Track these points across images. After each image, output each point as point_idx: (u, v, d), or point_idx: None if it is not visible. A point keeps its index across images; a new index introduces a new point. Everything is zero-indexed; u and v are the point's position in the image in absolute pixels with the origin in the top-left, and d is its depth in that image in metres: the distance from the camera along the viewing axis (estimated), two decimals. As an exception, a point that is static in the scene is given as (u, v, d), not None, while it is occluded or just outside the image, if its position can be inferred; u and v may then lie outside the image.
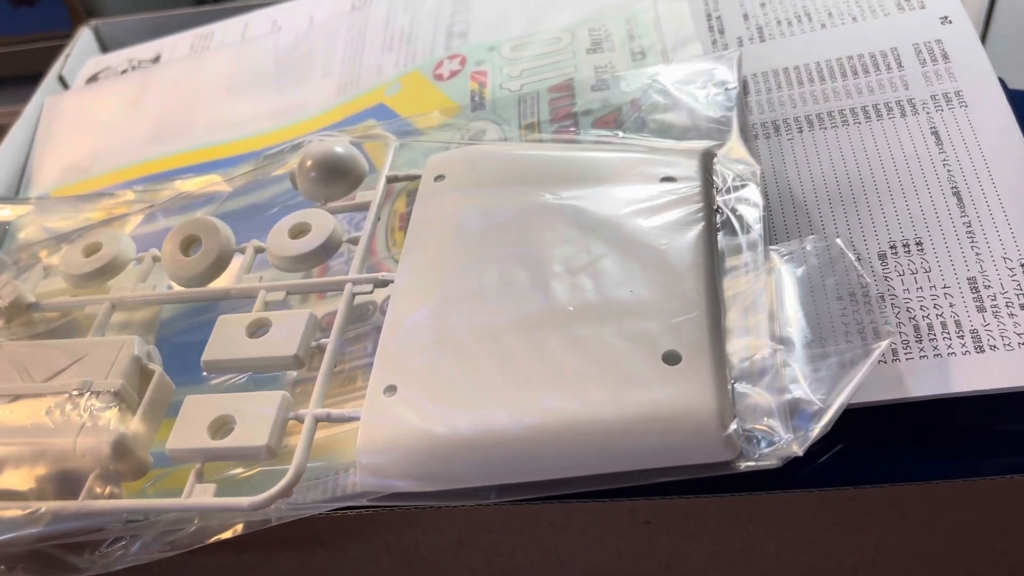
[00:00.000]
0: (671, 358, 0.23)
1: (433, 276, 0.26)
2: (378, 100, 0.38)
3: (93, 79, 0.47)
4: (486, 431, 0.23)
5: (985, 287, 0.25)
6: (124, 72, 0.46)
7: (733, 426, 0.22)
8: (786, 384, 0.23)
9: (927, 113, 0.29)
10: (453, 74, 0.37)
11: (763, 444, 0.22)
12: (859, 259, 0.26)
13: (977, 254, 0.26)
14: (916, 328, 0.25)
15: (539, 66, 0.36)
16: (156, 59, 0.46)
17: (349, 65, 0.41)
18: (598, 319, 0.24)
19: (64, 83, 0.48)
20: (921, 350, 0.25)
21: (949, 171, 0.28)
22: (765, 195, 0.28)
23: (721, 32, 0.35)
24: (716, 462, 0.22)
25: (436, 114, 0.36)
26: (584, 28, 0.37)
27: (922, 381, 0.24)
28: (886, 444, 0.26)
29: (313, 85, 0.41)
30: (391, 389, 0.24)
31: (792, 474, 0.26)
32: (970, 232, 0.26)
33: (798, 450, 0.22)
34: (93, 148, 0.43)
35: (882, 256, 0.27)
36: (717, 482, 0.25)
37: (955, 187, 0.27)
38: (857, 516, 0.26)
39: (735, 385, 0.23)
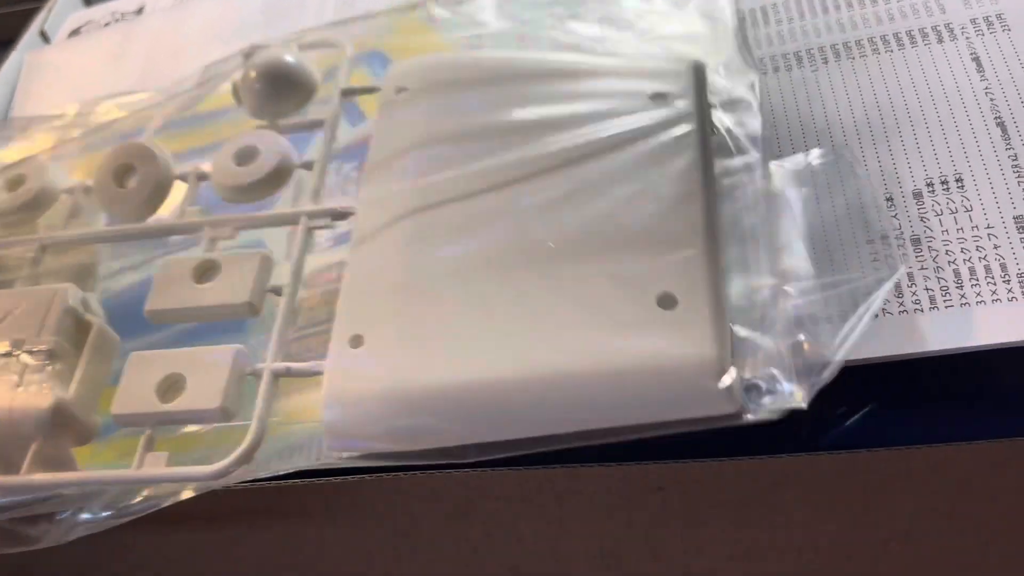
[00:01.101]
0: (666, 301, 0.20)
1: (398, 206, 0.24)
2: (371, 46, 0.36)
3: (75, 33, 0.45)
4: (462, 384, 0.20)
5: (1034, 226, 0.23)
6: (107, 25, 0.44)
7: (733, 375, 0.19)
8: (790, 326, 0.20)
9: (967, 38, 0.26)
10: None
11: (765, 395, 0.20)
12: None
13: (1025, 190, 0.23)
14: (956, 273, 0.23)
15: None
16: (139, 11, 0.44)
17: (344, 8, 0.39)
18: (583, 258, 0.21)
19: (46, 38, 0.45)
20: (962, 297, 0.22)
21: (992, 101, 0.25)
22: (769, 110, 0.25)
23: (738, -40, 0.32)
24: (716, 415, 0.20)
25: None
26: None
27: (963, 331, 0.22)
28: (923, 402, 0.23)
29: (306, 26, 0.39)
30: (357, 339, 0.22)
31: (819, 435, 0.24)
32: (1016, 166, 0.24)
33: (802, 401, 0.20)
34: (76, 103, 0.41)
35: (917, 195, 0.24)
36: (736, 445, 0.23)
37: (999, 117, 0.25)
38: (890, 480, 0.23)
39: (734, 329, 0.20)
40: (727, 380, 0.19)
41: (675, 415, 0.20)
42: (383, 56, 0.36)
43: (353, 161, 0.32)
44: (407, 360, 0.21)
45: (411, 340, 0.21)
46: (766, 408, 0.20)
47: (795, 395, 0.20)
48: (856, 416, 0.24)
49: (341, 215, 0.25)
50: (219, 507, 0.26)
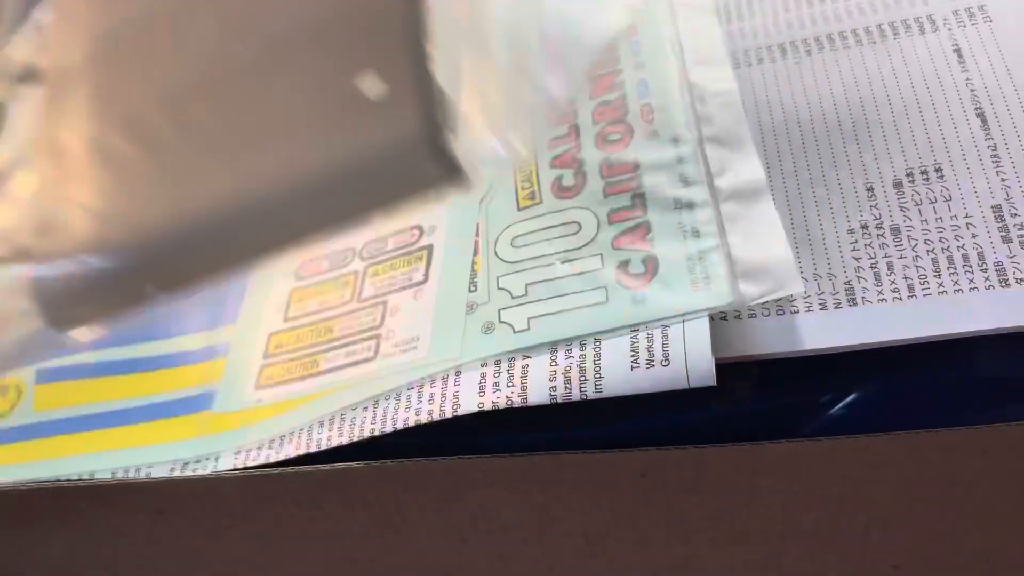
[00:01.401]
0: (371, 86, 0.20)
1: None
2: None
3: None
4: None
5: (1011, 215, 0.23)
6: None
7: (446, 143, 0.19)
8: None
9: (948, 30, 0.27)
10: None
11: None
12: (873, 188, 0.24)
13: (1003, 180, 0.23)
14: (935, 262, 0.23)
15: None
16: None
17: None
18: (284, 63, 0.21)
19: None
20: (940, 285, 0.22)
21: (973, 91, 0.25)
22: (753, 103, 0.26)
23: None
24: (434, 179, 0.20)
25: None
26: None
27: (941, 319, 0.22)
28: (903, 389, 0.23)
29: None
30: None
31: (802, 423, 0.24)
32: (995, 156, 0.24)
33: (523, 150, 0.20)
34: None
35: (898, 184, 0.24)
36: (719, 432, 0.23)
37: (979, 108, 0.25)
38: (870, 467, 0.24)
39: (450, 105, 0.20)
40: (440, 146, 0.19)
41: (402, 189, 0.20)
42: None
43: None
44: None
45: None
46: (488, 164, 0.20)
47: (513, 146, 0.20)
48: (838, 404, 0.25)
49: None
50: (208, 495, 0.26)
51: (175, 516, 0.27)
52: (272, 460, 0.26)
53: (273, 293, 0.30)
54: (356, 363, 0.26)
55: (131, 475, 0.27)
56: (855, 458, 0.23)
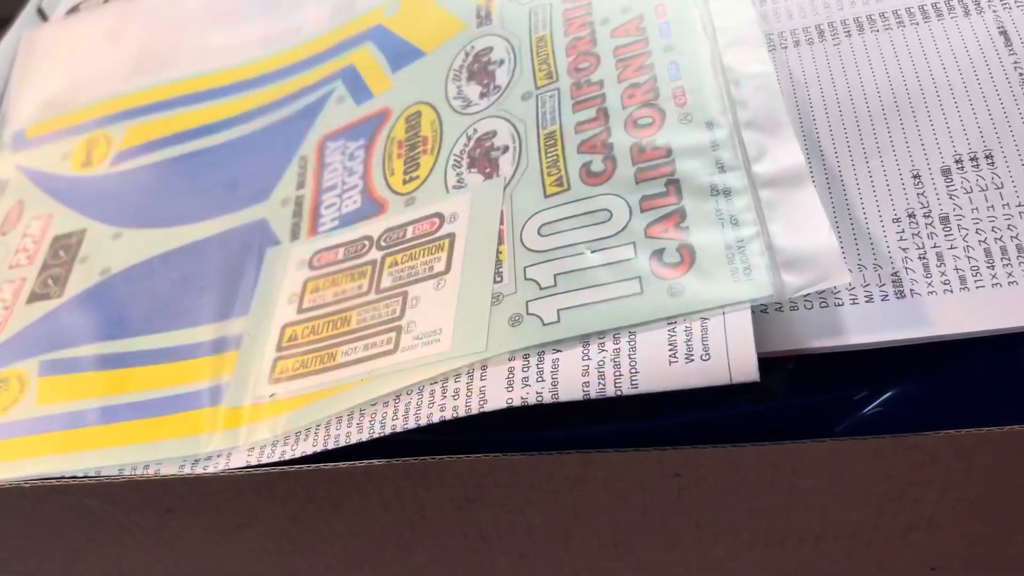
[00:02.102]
0: None
1: None
2: (376, 21, 0.35)
3: (74, 10, 0.44)
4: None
5: (1068, 203, 0.22)
6: (105, 1, 0.43)
7: None
8: None
9: (993, 11, 0.25)
10: (457, -12, 0.34)
11: None
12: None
13: (1057, 166, 0.22)
14: (987, 252, 0.22)
15: (552, -24, 0.32)
16: (139, -13, 0.43)
17: (341, -13, 0.38)
18: None
19: (44, 16, 0.44)
20: (994, 277, 0.21)
21: (1021, 75, 0.24)
22: (791, 86, 0.25)
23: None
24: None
25: (438, 32, 0.32)
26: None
27: (995, 312, 0.21)
28: (952, 386, 0.22)
29: (307, 10, 0.38)
30: None
31: (841, 420, 0.23)
32: (1049, 142, 0.23)
33: None
34: (73, 81, 0.40)
35: (946, 171, 0.23)
36: (757, 431, 0.22)
37: (1030, 92, 0.24)
38: (915, 467, 0.22)
39: None
40: None
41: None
42: (387, 30, 0.34)
43: (359, 140, 0.31)
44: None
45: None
46: None
47: None
48: (878, 401, 0.23)
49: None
50: (219, 494, 0.25)
51: (185, 514, 0.26)
52: (288, 457, 0.24)
53: (286, 283, 0.29)
54: (376, 356, 0.25)
55: (139, 472, 0.26)
56: (901, 458, 0.22)
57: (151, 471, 0.26)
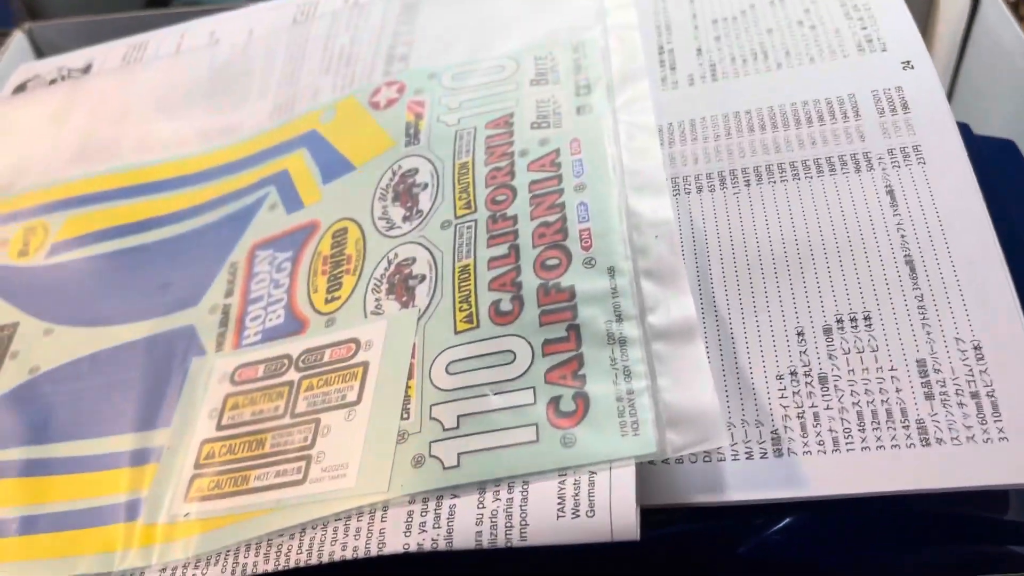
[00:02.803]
0: None
1: None
2: (312, 126, 0.36)
3: (21, 88, 0.45)
4: None
5: (935, 371, 0.23)
6: (53, 82, 0.44)
7: None
8: None
9: (883, 169, 0.27)
10: (390, 103, 0.35)
11: None
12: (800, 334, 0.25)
13: (928, 333, 0.24)
14: (860, 415, 0.23)
15: (480, 97, 0.33)
16: (87, 68, 0.44)
17: (286, 85, 0.39)
18: None
19: (-9, 90, 0.45)
20: (863, 441, 0.23)
21: (903, 236, 0.26)
22: (691, 233, 0.27)
23: (672, 68, 0.32)
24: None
25: (369, 147, 0.33)
26: (530, 56, 0.34)
27: (864, 476, 0.22)
28: (831, 541, 0.24)
29: (248, 106, 0.39)
30: None
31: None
32: (922, 307, 0.24)
33: None
34: (14, 165, 0.40)
35: (827, 330, 0.25)
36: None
37: (908, 255, 0.25)
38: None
39: None
40: None
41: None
42: (321, 137, 0.36)
43: (288, 251, 0.32)
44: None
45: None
46: None
47: None
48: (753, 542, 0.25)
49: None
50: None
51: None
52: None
53: (209, 397, 0.30)
54: (285, 485, 0.26)
55: (53, 589, 0.26)
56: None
57: (64, 588, 0.26)
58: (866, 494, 0.22)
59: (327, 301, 0.30)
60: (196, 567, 0.26)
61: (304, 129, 0.36)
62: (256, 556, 0.25)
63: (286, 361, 0.29)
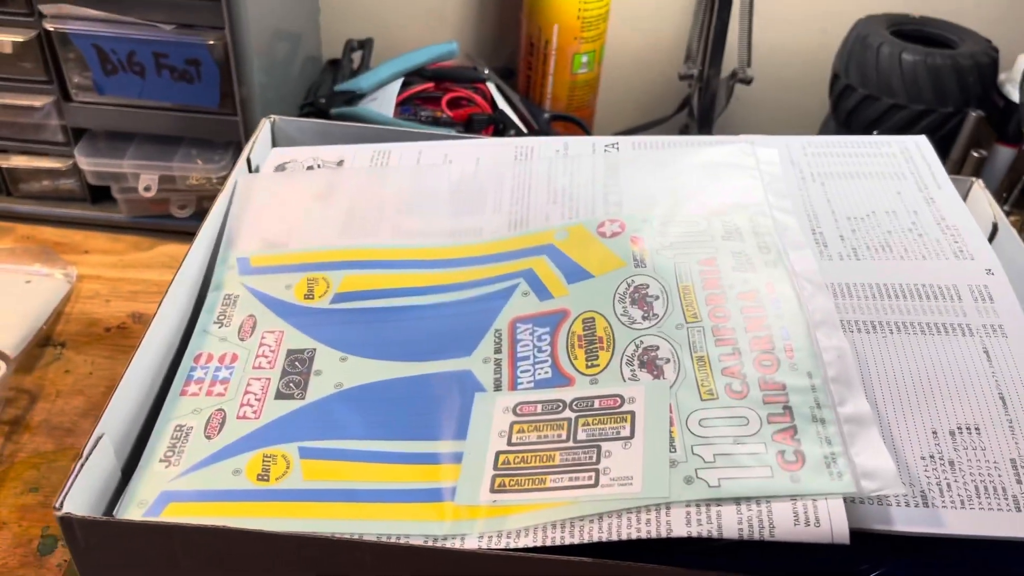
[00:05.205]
0: None
1: None
2: (548, 240, 0.49)
3: (280, 168, 0.56)
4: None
5: (1022, 467, 0.37)
6: (310, 168, 0.56)
7: None
8: None
9: (980, 337, 0.41)
10: (615, 235, 0.48)
11: None
12: (934, 432, 0.38)
13: (1016, 443, 0.38)
14: (976, 488, 0.36)
15: (686, 242, 0.47)
16: (340, 163, 0.56)
17: (518, 206, 0.51)
18: None
19: (250, 164, 0.56)
20: (980, 504, 0.36)
21: (997, 382, 0.40)
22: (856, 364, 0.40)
23: (825, 245, 0.47)
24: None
25: (603, 263, 0.46)
26: (718, 219, 0.48)
27: (978, 524, 0.35)
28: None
29: (485, 216, 0.51)
30: None
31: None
32: (1011, 427, 0.38)
33: None
34: (288, 228, 0.52)
35: (951, 433, 0.38)
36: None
37: (1001, 393, 0.39)
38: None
39: None
40: None
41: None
42: (558, 250, 0.48)
43: (545, 327, 0.44)
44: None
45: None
46: None
47: None
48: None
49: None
50: (457, 567, 0.36)
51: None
52: (511, 547, 0.36)
53: (496, 422, 0.41)
54: (579, 487, 0.37)
55: (392, 540, 0.36)
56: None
57: (403, 542, 0.37)
58: (979, 536, 0.35)
59: (588, 366, 0.42)
60: (509, 536, 0.36)
61: (542, 242, 0.49)
62: (562, 532, 0.36)
63: (561, 403, 0.41)
